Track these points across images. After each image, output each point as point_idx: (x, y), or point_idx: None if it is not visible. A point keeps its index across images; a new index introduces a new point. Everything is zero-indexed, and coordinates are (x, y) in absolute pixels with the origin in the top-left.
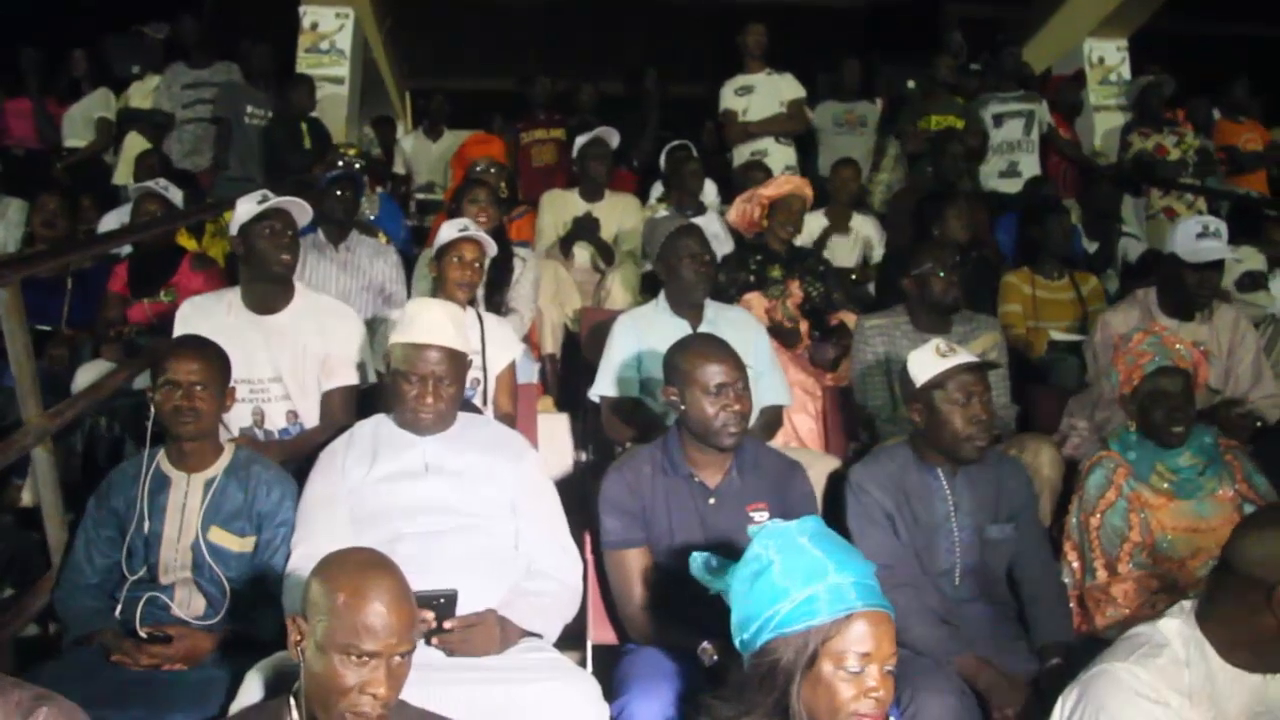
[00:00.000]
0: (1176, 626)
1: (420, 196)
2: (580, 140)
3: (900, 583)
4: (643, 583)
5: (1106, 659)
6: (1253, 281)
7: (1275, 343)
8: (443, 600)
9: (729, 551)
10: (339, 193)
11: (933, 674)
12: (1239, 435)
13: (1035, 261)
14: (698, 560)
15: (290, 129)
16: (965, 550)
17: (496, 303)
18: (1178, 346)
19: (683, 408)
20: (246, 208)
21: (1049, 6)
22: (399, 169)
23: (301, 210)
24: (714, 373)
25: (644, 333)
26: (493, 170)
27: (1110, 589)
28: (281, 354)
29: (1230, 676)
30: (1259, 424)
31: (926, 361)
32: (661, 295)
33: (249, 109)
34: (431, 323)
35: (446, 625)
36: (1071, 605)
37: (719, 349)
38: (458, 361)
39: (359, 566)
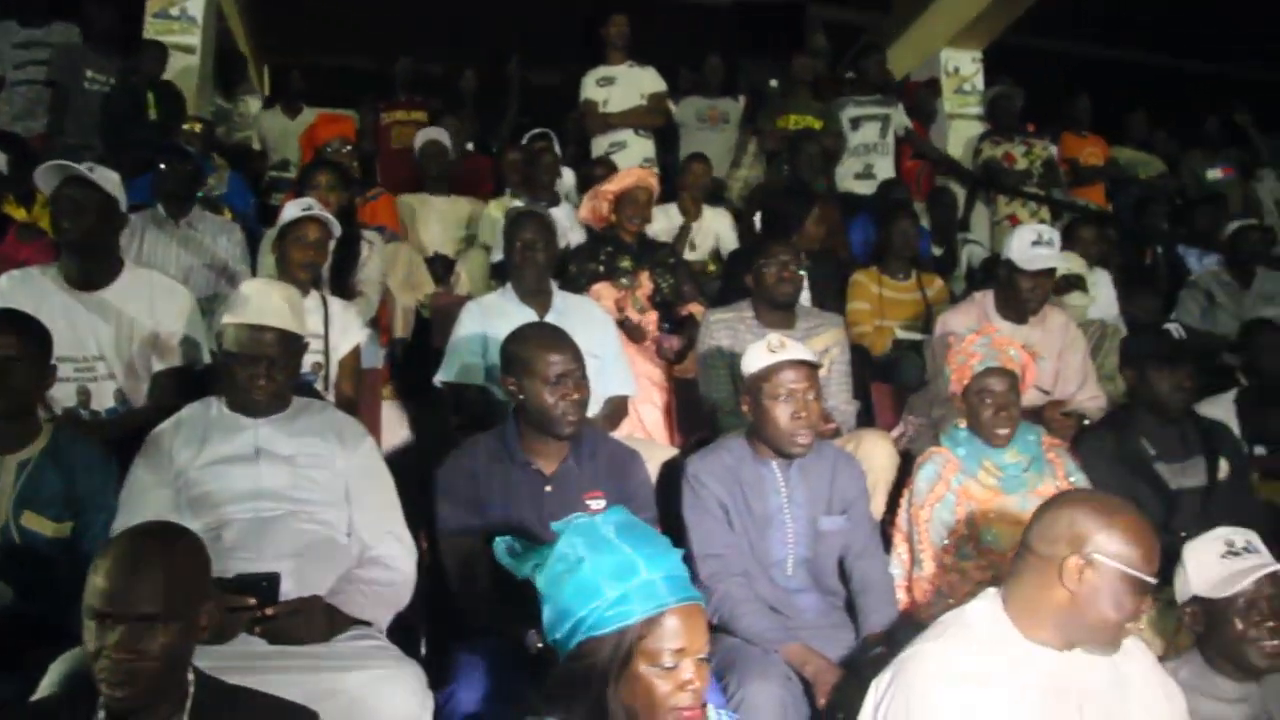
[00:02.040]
0: (982, 609)
1: (273, 174)
2: (417, 143)
3: (732, 572)
4: (478, 570)
5: (916, 643)
6: (1068, 284)
7: (1101, 346)
8: (264, 584)
9: None
10: (161, 166)
11: (759, 662)
12: (1062, 435)
13: (884, 262)
14: (500, 545)
15: (134, 97)
16: (798, 541)
17: (343, 286)
18: (1009, 349)
19: (521, 397)
20: (44, 177)
21: (908, 15)
22: (255, 145)
23: (104, 178)
24: (553, 362)
25: (490, 320)
26: (345, 150)
27: (937, 580)
28: (105, 331)
29: (1033, 655)
30: (1084, 421)
31: (757, 356)
32: (509, 283)
33: (89, 73)
34: (265, 304)
35: (268, 612)
36: (900, 595)
37: (557, 338)
38: (292, 344)
39: (127, 535)
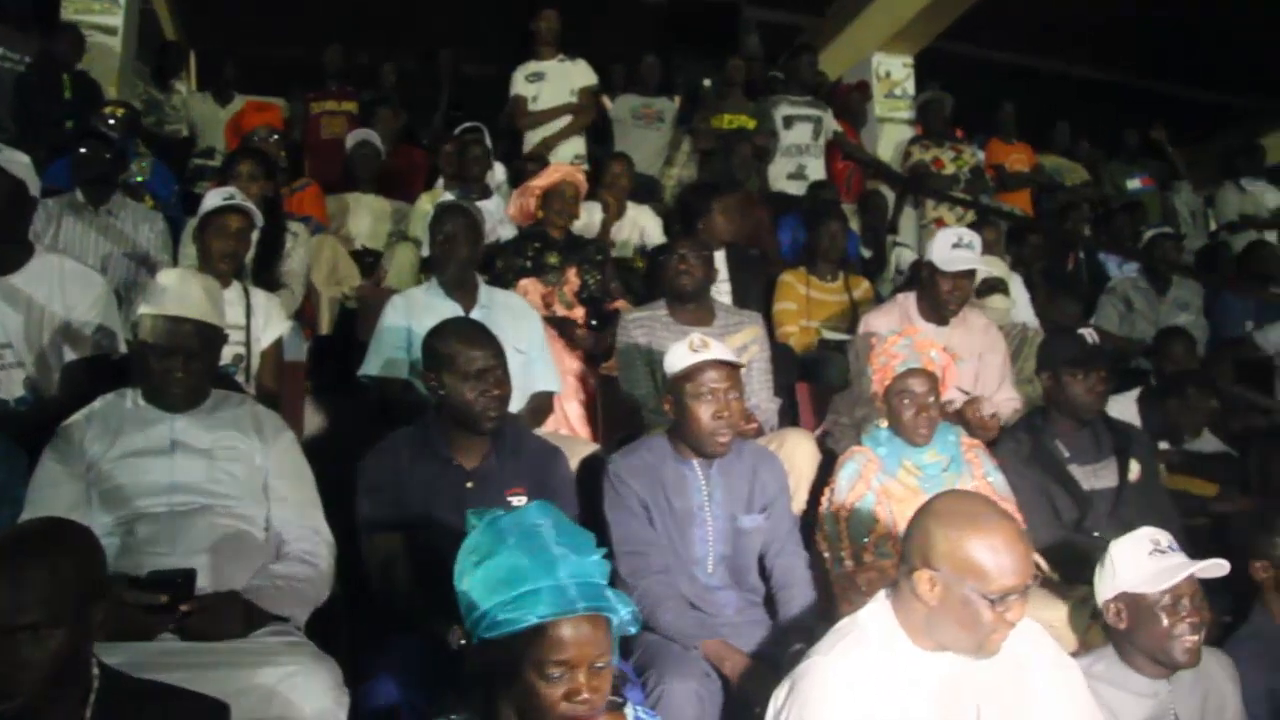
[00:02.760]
0: (875, 615)
1: (197, 162)
2: (348, 144)
3: (652, 570)
4: (399, 566)
5: (813, 653)
6: (990, 287)
7: (1022, 350)
8: (180, 580)
9: None
10: (82, 150)
11: (679, 659)
12: (982, 432)
13: (812, 263)
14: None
15: (49, 78)
16: (718, 539)
17: (267, 277)
18: (930, 351)
19: (442, 393)
20: None
21: (842, 19)
22: (183, 131)
23: (10, 160)
24: (473, 358)
25: (415, 314)
26: (272, 139)
27: (856, 577)
28: (13, 318)
29: (923, 659)
30: (1001, 426)
31: (679, 355)
32: (435, 278)
33: (0, 51)
34: (184, 295)
35: (183, 608)
36: (819, 592)
37: (478, 334)
38: (211, 336)
39: (4, 541)
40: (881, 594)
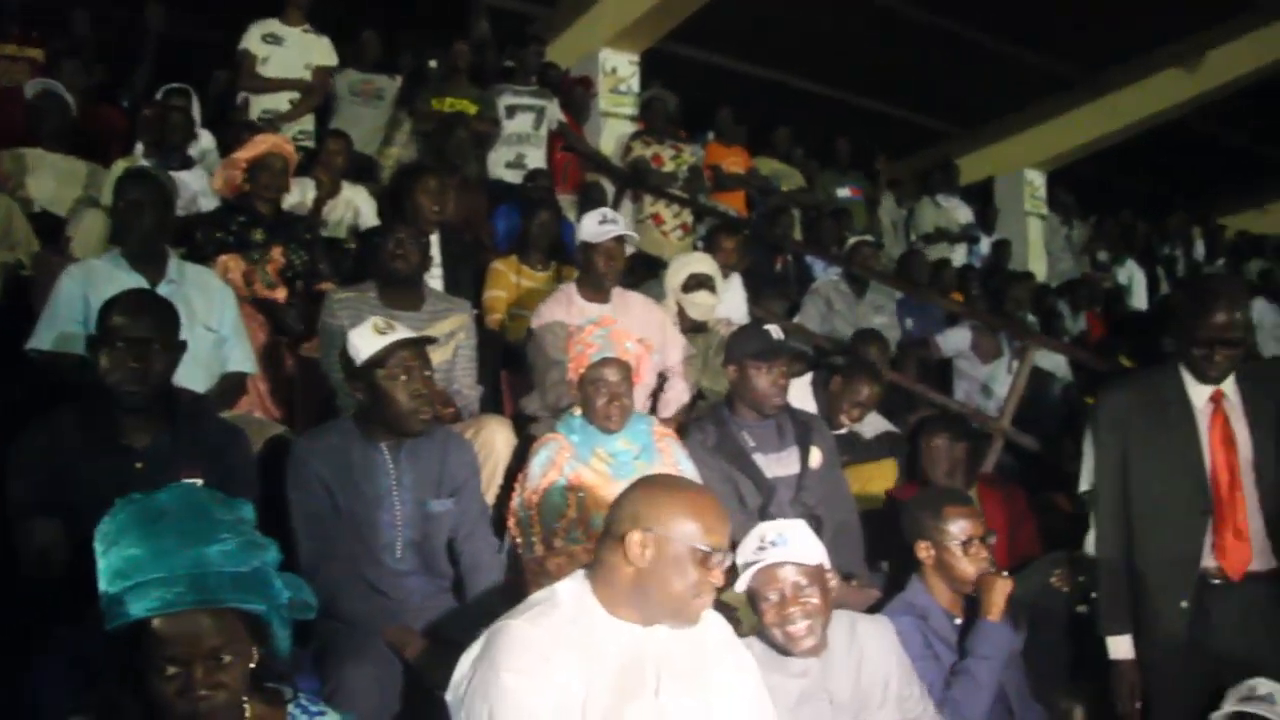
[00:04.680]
0: (570, 588)
1: None
2: (28, 93)
3: (334, 555)
4: (57, 552)
5: (505, 617)
6: (698, 283)
7: (712, 349)
8: None
9: None
10: None
11: (357, 645)
12: (671, 422)
13: (524, 251)
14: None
15: None
16: (406, 524)
17: None
18: (625, 341)
19: (95, 365)
20: None
21: (572, 13)
22: None
23: None
24: (125, 328)
25: (95, 285)
26: None
27: (546, 562)
28: None
29: (614, 630)
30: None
31: (365, 339)
32: (119, 248)
33: None
34: None
35: None
36: (510, 577)
37: (138, 305)
38: None
39: None
40: (580, 572)
